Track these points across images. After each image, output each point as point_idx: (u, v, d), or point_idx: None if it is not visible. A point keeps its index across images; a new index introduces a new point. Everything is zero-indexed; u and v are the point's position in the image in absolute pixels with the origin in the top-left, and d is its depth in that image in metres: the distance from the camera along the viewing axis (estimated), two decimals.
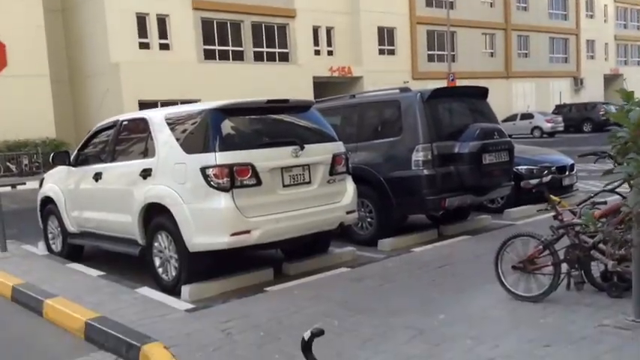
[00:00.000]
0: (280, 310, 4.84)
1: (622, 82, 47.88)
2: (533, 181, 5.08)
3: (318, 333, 1.94)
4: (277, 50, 29.22)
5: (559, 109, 35.93)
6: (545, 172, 8.67)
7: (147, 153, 6.20)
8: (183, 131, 5.90)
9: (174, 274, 5.75)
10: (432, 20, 34.14)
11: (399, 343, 3.99)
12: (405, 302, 4.86)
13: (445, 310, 4.57)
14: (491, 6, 38.27)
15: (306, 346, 1.95)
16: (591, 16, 45.92)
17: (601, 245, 4.46)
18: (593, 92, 44.68)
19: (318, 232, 6.15)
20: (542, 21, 41.50)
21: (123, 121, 6.91)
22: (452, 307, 4.68)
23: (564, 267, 4.60)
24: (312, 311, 4.78)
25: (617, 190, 4.78)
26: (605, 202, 4.72)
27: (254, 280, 5.88)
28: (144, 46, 24.78)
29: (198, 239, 5.44)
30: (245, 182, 5.48)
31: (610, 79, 48.36)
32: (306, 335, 1.93)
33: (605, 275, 4.60)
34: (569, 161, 9.62)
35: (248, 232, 5.45)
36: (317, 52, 30.48)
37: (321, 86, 29.70)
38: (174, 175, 5.70)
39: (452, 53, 32.49)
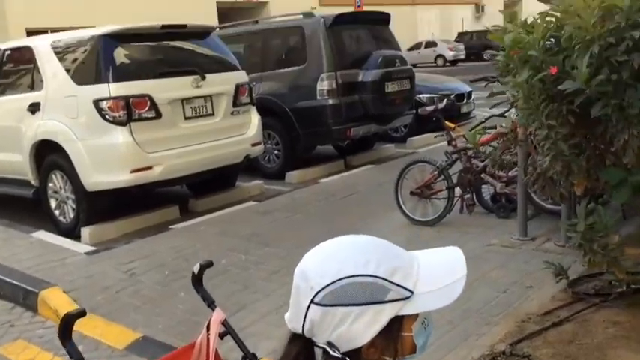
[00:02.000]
0: (186, 247, 4.80)
1: (521, 7, 49.54)
2: (429, 108, 5.23)
3: (207, 265, 1.92)
4: None
5: (461, 37, 36.79)
6: (444, 99, 8.97)
7: (34, 85, 5.77)
8: (74, 61, 5.51)
9: (72, 215, 5.50)
10: None
11: None
12: (313, 232, 4.96)
13: None
14: None
15: (197, 280, 1.93)
16: None
17: (490, 169, 4.72)
18: (493, 19, 45.90)
19: (224, 167, 6.06)
20: None
21: (5, 50, 6.33)
22: (357, 233, 4.83)
23: (458, 191, 4.85)
24: (218, 247, 4.78)
25: (507, 115, 5.02)
26: (495, 127, 4.96)
27: (159, 219, 5.73)
28: None
29: (96, 178, 5.20)
30: (143, 115, 5.25)
31: (510, 5, 49.88)
32: (196, 268, 1.91)
33: (495, 197, 4.91)
34: (467, 89, 9.96)
35: (149, 168, 5.27)
36: None
37: (226, 12, 28.53)
38: (65, 109, 5.35)
39: None
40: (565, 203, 3.79)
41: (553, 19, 2.76)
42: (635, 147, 2.63)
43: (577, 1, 2.56)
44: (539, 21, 2.78)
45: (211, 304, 1.96)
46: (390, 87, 7.47)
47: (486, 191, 5.01)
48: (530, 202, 4.41)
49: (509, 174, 4.69)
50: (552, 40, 2.76)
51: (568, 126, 2.78)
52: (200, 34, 6.16)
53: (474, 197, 4.87)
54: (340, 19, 7.43)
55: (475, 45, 34.47)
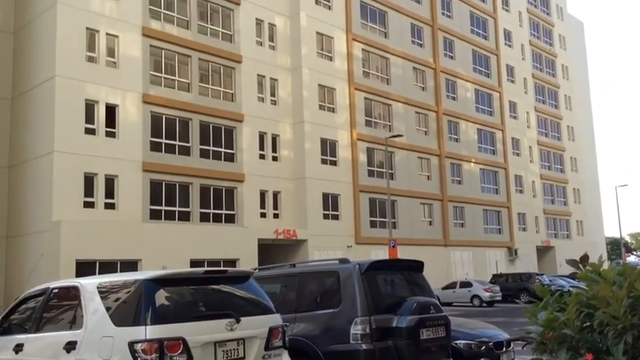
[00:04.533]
0: None
1: (554, 254, 50.15)
2: None
3: None
4: (224, 212, 29.61)
5: (496, 278, 36.88)
6: (482, 346, 8.69)
7: (74, 323, 5.92)
8: (116, 301, 5.71)
9: None
10: (374, 189, 35.83)
11: None
12: None
13: None
14: (428, 179, 40.73)
15: None
16: (520, 191, 49.27)
17: None
18: (527, 262, 46.44)
19: None
20: (475, 194, 44.18)
21: (53, 288, 6.65)
22: None
23: None
24: None
25: None
26: None
27: None
28: (88, 204, 24.43)
29: None
30: (174, 358, 5.24)
31: (543, 250, 50.70)
32: None
33: None
34: (505, 336, 9.63)
35: None
36: (263, 215, 31.02)
37: (266, 248, 29.83)
38: (99, 350, 5.40)
39: (393, 220, 33.66)
40: None
41: (585, 299, 2.81)
42: None
43: (604, 288, 2.63)
44: (571, 300, 2.83)
45: None
46: (425, 334, 7.36)
47: None
48: None
49: None
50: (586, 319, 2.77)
51: None
52: (240, 278, 6.42)
53: None
54: (375, 265, 7.70)
55: (510, 287, 34.39)
